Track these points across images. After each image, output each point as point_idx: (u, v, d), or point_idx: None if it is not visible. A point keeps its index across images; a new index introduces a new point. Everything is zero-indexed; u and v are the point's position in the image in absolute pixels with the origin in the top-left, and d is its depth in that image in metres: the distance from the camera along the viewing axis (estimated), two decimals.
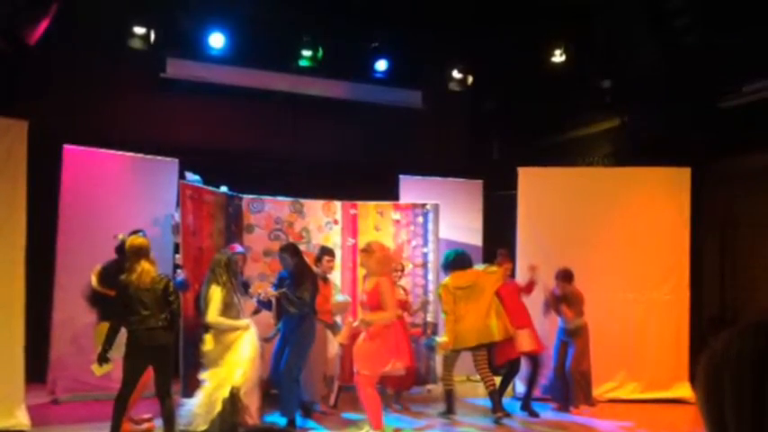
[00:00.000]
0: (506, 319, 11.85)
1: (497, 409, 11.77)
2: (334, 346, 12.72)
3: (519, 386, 13.39)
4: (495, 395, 11.80)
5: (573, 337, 12.39)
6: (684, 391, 13.13)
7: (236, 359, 10.00)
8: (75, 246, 12.26)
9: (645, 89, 14.54)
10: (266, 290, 11.47)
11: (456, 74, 15.86)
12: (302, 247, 13.43)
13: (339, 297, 12.57)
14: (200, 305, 10.34)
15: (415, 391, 13.53)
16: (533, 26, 14.65)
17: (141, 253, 9.38)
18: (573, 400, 12.56)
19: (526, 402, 12.43)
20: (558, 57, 14.85)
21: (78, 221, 12.43)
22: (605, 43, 14.77)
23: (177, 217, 12.11)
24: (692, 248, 13.67)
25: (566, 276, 12.44)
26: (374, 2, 14.41)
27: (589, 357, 12.50)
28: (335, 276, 13.33)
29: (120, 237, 10.49)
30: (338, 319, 12.46)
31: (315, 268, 11.97)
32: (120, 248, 10.41)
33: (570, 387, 12.53)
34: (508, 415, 11.92)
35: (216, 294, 9.93)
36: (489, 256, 13.89)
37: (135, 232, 10.31)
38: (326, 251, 12.43)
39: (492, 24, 14.72)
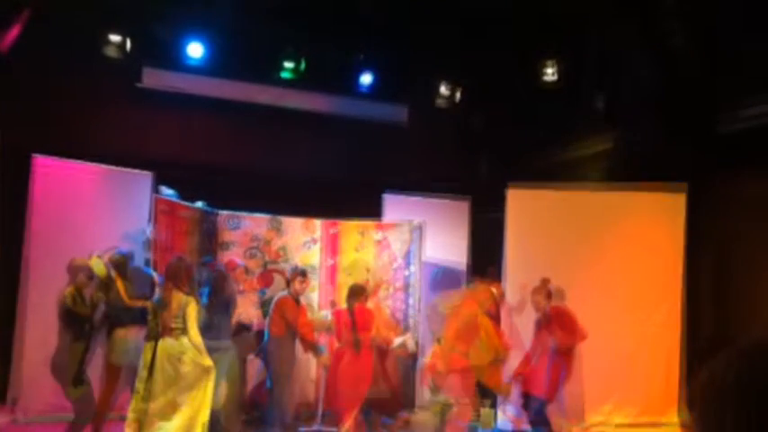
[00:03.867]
0: (497, 341, 11.85)
1: None
2: (313, 369, 12.82)
3: (501, 417, 13.42)
4: (474, 431, 11.83)
5: (564, 357, 12.36)
6: (673, 425, 13.15)
7: (216, 382, 10.00)
8: (44, 260, 12.26)
9: (640, 109, 14.57)
10: (248, 312, 11.55)
11: (443, 89, 15.89)
12: (279, 267, 13.52)
13: (323, 312, 12.65)
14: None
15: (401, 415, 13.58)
16: (524, 41, 14.69)
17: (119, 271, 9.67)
18: (564, 424, 12.57)
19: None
20: (551, 75, 14.87)
21: (48, 235, 12.44)
22: (599, 60, 14.81)
23: (149, 232, 12.15)
24: (685, 274, 13.69)
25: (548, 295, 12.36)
26: (359, 13, 14.43)
27: (581, 380, 12.49)
28: (312, 297, 13.38)
29: (95, 257, 10.55)
30: (321, 344, 12.51)
31: (287, 289, 12.03)
32: (118, 261, 10.88)
33: (562, 410, 12.55)
34: None
35: (192, 310, 9.87)
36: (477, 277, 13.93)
37: (123, 255, 10.72)
38: (299, 272, 12.40)
39: (481, 38, 14.75)
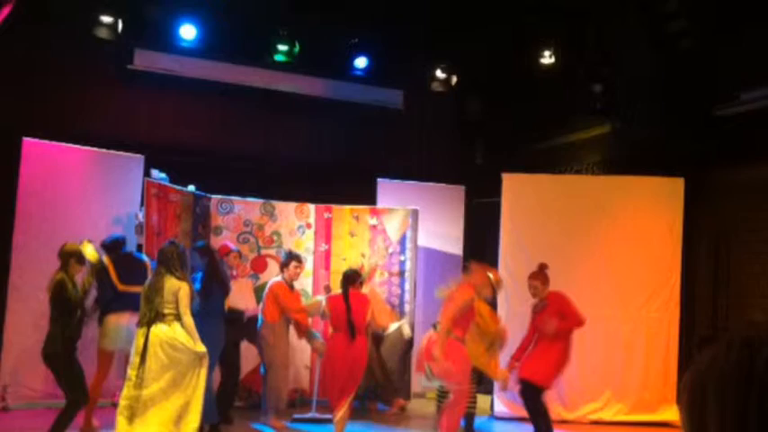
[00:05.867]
0: (493, 327, 11.78)
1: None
2: (307, 356, 12.84)
3: (497, 404, 13.44)
4: (470, 418, 11.80)
5: (561, 343, 12.24)
6: (672, 414, 13.13)
7: (209, 369, 9.99)
8: (33, 244, 12.23)
9: (638, 95, 14.56)
10: (242, 297, 11.59)
11: (439, 73, 15.81)
12: (272, 252, 13.49)
13: (318, 298, 12.63)
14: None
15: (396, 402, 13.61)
16: (522, 25, 14.66)
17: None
18: (561, 411, 12.64)
19: None
20: (548, 58, 14.83)
21: (37, 218, 12.43)
22: (597, 46, 14.79)
23: (141, 216, 12.14)
24: (683, 263, 13.70)
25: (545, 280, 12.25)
26: None
27: (579, 367, 12.46)
28: (307, 283, 13.38)
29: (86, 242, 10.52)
30: (316, 330, 12.50)
31: (281, 275, 12.05)
32: (111, 246, 11.18)
33: (559, 397, 12.62)
34: None
35: (185, 295, 9.80)
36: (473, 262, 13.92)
37: (116, 240, 10.91)
38: (294, 257, 12.36)
39: (478, 22, 14.72)
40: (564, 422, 12.93)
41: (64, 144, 12.99)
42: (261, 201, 13.96)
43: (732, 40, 13.01)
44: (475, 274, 10.83)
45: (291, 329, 12.23)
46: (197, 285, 10.51)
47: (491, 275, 10.90)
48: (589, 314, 11.59)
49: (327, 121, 16.34)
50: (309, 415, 12.63)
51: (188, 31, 14.36)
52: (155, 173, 12.66)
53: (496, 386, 12.93)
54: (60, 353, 9.61)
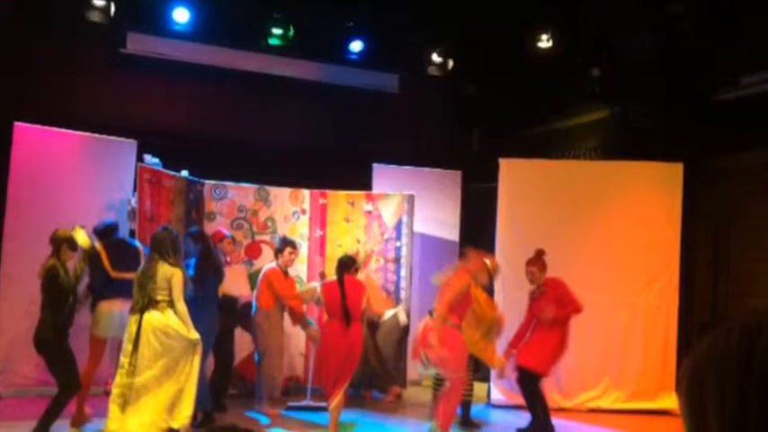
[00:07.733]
0: (490, 314, 11.75)
1: (465, 421, 11.78)
2: (302, 343, 12.83)
3: (494, 392, 13.45)
4: (467, 406, 11.80)
5: (559, 331, 12.21)
6: (671, 402, 13.11)
7: (203, 356, 9.98)
8: (25, 230, 12.19)
9: (636, 79, 14.53)
10: (236, 284, 11.61)
11: (436, 57, 15.76)
12: (266, 238, 13.47)
13: (313, 284, 12.61)
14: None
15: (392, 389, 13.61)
16: (519, 8, 14.61)
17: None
18: (559, 399, 12.66)
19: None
20: (545, 42, 14.77)
21: (29, 205, 12.38)
22: (595, 29, 14.75)
23: (134, 202, 12.11)
24: (682, 250, 13.68)
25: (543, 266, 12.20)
26: None
27: (576, 354, 12.45)
28: (301, 269, 13.37)
29: (79, 227, 10.48)
30: (310, 317, 12.50)
31: (275, 261, 12.07)
32: (103, 232, 11.07)
33: (557, 385, 12.63)
34: (478, 426, 11.97)
35: (178, 282, 9.78)
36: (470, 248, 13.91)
37: (108, 226, 10.90)
38: (289, 243, 12.37)
39: (475, 5, 14.67)
40: (561, 410, 12.92)
41: (56, 129, 12.95)
42: (255, 186, 13.95)
43: (731, 24, 12.97)
44: (471, 260, 10.80)
45: (286, 316, 12.23)
46: (190, 272, 10.48)
47: (488, 261, 10.87)
48: (587, 301, 11.58)
49: (322, 106, 16.29)
50: (304, 402, 12.63)
51: (181, 15, 14.28)
52: (147, 158, 12.63)
53: (493, 374, 12.94)
54: (52, 340, 9.60)
